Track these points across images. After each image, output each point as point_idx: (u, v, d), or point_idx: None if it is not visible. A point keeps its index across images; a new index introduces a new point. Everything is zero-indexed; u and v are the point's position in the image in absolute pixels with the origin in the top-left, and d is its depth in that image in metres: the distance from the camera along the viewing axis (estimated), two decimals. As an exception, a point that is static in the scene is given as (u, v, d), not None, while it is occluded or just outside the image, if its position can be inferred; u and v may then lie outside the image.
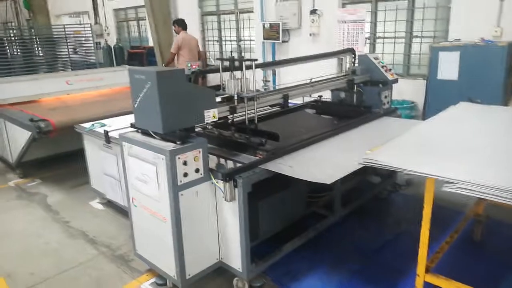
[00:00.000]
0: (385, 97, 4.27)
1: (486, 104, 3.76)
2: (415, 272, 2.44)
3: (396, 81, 4.37)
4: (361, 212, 3.94)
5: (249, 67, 3.11)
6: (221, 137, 3.15)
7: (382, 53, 7.03)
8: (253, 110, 3.19)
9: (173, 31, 8.39)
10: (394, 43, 6.94)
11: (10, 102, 5.65)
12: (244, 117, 3.20)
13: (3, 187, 5.20)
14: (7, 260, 3.50)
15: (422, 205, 2.29)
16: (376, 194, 4.30)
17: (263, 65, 4.03)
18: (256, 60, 3.21)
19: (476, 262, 3.17)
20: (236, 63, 3.09)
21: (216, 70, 3.21)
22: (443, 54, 5.59)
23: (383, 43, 7.10)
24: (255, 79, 3.14)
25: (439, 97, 5.61)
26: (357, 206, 3.87)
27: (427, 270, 2.42)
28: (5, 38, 11.81)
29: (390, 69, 4.38)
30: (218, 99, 2.98)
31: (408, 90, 6.58)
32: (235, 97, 3.01)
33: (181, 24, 8.00)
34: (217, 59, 3.12)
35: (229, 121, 3.31)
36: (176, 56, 7.88)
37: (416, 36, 6.67)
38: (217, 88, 3.13)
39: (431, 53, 5.75)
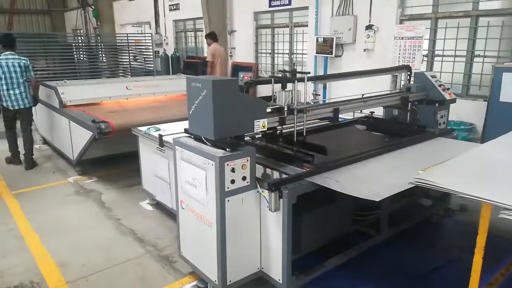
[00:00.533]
0: (441, 117, 4.11)
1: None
2: (464, 302, 2.31)
3: (454, 101, 4.20)
4: (410, 235, 3.79)
5: (301, 80, 3.14)
6: (269, 148, 3.20)
7: (440, 72, 6.77)
8: (302, 123, 3.21)
9: (206, 43, 9.09)
10: (454, 61, 6.66)
11: (74, 104, 6.08)
12: (293, 129, 3.22)
13: (63, 183, 5.57)
14: (62, 250, 3.74)
15: (476, 232, 2.17)
16: (426, 218, 4.12)
17: (315, 78, 4.03)
18: (309, 73, 3.24)
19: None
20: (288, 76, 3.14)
21: (268, 82, 3.27)
22: (507, 75, 5.28)
23: (442, 61, 6.84)
24: (306, 91, 3.17)
25: (500, 120, 5.29)
26: (405, 228, 3.73)
27: (479, 301, 2.28)
28: (73, 44, 12.74)
29: (448, 88, 4.22)
30: (269, 109, 3.04)
31: (467, 111, 6.28)
32: (285, 109, 3.05)
33: (214, 37, 8.85)
34: (271, 76, 3.12)
35: (278, 132, 3.35)
36: (209, 64, 8.59)
37: (478, 56, 6.37)
38: (269, 99, 3.19)
39: (493, 73, 5.47)
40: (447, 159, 2.57)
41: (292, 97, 3.06)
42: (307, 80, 3.18)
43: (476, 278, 2.23)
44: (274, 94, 3.15)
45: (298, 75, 3.22)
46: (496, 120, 5.41)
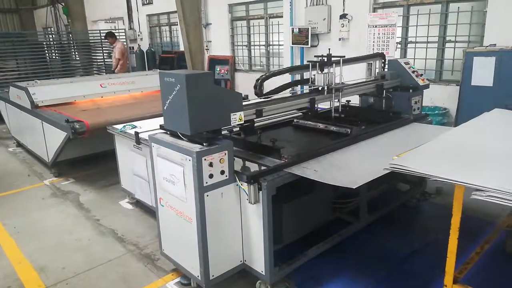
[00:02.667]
0: (416, 102, 4.18)
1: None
2: (442, 282, 2.37)
3: (427, 86, 4.27)
4: (389, 220, 3.87)
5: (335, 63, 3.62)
6: (247, 140, 3.20)
7: (414, 58, 6.88)
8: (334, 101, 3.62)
9: (109, 43, 9.75)
10: (426, 48, 6.78)
11: (47, 104, 5.92)
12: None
13: (39, 186, 5.44)
14: (41, 255, 3.65)
15: (451, 214, 2.23)
16: (404, 202, 4.21)
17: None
18: (344, 57, 3.69)
19: (507, 275, 3.05)
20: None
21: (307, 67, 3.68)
22: (478, 59, 5.42)
23: (415, 48, 6.95)
24: (341, 74, 3.68)
25: (472, 104, 5.43)
26: (384, 213, 3.80)
27: (455, 281, 2.35)
28: (44, 43, 12.36)
29: (421, 75, 4.29)
30: (307, 90, 3.71)
31: (440, 96, 6.41)
32: (325, 88, 3.55)
33: (114, 35, 9.55)
34: (315, 56, 3.83)
35: (313, 112, 3.89)
36: (115, 62, 9.15)
37: (450, 41, 6.50)
38: (307, 81, 3.71)
39: (465, 58, 5.59)
40: (421, 144, 2.61)
41: (329, 79, 3.56)
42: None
43: (452, 259, 2.30)
44: (312, 76, 3.61)
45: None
46: (469, 104, 5.55)
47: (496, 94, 5.23)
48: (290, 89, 3.94)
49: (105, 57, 12.40)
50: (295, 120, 3.91)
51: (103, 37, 12.22)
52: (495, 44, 5.50)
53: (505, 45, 5.35)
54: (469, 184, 1.90)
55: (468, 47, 5.97)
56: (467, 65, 5.54)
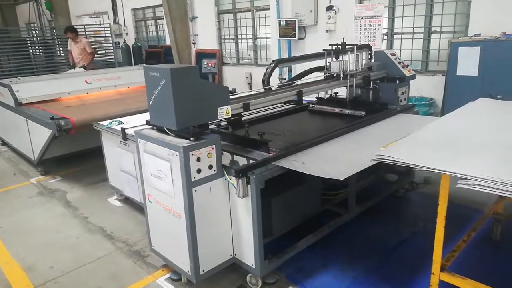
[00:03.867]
0: (402, 93, 4.20)
1: (508, 100, 3.66)
2: (430, 270, 2.41)
3: (413, 77, 4.29)
4: (378, 210, 3.90)
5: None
6: (235, 134, 3.18)
7: (400, 49, 6.91)
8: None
9: (70, 38, 9.00)
10: (412, 38, 6.82)
11: (32, 101, 5.80)
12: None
13: (26, 184, 5.36)
14: (28, 254, 3.60)
15: (438, 203, 2.25)
16: (393, 193, 4.24)
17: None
18: (357, 45, 3.92)
19: (494, 262, 3.10)
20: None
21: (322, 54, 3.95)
22: (463, 49, 5.46)
23: (401, 39, 6.99)
24: (356, 59, 3.88)
25: (458, 94, 5.49)
26: (373, 204, 3.83)
27: (443, 269, 2.38)
28: (28, 39, 12.13)
29: (407, 65, 4.31)
30: (322, 77, 3.93)
31: (426, 87, 6.46)
32: (341, 74, 3.78)
33: (76, 30, 8.96)
34: (330, 45, 3.98)
35: (329, 96, 4.26)
36: (87, 59, 8.73)
37: (435, 32, 6.54)
38: (322, 68, 3.95)
39: (450, 48, 5.63)
40: (408, 134, 2.63)
41: (344, 66, 3.78)
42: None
43: (440, 247, 2.33)
44: (328, 64, 3.87)
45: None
46: (454, 94, 5.60)
47: (481, 84, 5.29)
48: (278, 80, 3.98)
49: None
50: (310, 106, 4.18)
51: (87, 32, 12.07)
52: (480, 34, 5.56)
53: (490, 35, 5.41)
54: (454, 173, 1.92)
55: (453, 37, 6.03)
56: (452, 55, 5.58)
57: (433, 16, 6.52)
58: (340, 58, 3.85)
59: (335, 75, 3.85)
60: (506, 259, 3.13)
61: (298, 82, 3.90)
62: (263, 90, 3.50)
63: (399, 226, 3.71)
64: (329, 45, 3.98)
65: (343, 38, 4.08)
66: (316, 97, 4.36)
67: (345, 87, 4.28)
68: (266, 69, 3.65)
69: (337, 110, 3.95)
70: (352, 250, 3.34)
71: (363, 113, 3.73)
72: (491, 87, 5.17)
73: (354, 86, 3.92)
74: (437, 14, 6.44)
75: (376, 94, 4.23)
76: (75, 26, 9.56)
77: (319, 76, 4.00)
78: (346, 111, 3.87)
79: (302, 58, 4.42)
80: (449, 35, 6.31)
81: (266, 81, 3.62)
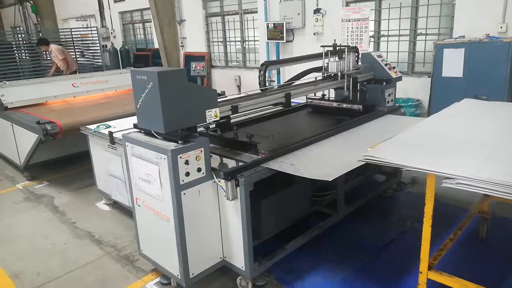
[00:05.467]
0: (389, 95, 4.25)
1: (492, 101, 3.73)
2: (419, 269, 2.43)
3: (399, 79, 4.35)
4: (366, 211, 3.93)
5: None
6: (224, 137, 3.18)
7: (387, 52, 7.00)
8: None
9: (44, 50, 9.11)
10: (399, 41, 6.91)
11: (17, 106, 5.73)
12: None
13: (12, 190, 5.27)
14: (15, 261, 3.55)
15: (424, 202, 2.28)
16: (381, 193, 4.28)
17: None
18: (356, 47, 4.12)
19: (480, 260, 3.15)
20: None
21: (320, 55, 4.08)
22: (448, 51, 5.55)
23: (388, 41, 7.07)
24: (354, 60, 4.03)
25: (444, 95, 5.57)
26: (361, 204, 3.86)
27: (430, 267, 2.41)
28: (13, 43, 11.96)
29: (393, 67, 4.36)
30: (320, 77, 4.05)
31: (413, 88, 6.55)
32: (339, 74, 3.90)
33: (47, 41, 8.78)
34: (322, 46, 4.11)
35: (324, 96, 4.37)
36: (62, 64, 8.56)
37: (421, 34, 6.64)
38: (320, 69, 4.06)
39: (435, 50, 5.72)
40: (395, 135, 2.66)
41: (342, 66, 3.91)
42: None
43: (427, 246, 2.36)
44: (326, 64, 3.98)
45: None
46: (440, 95, 5.69)
47: (466, 85, 5.38)
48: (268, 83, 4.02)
49: (77, 56, 12.10)
50: (309, 101, 4.37)
51: (74, 36, 11.95)
52: (464, 36, 5.66)
53: (474, 37, 5.51)
54: (439, 172, 1.95)
55: (438, 40, 6.12)
56: (437, 57, 5.67)
57: (418, 19, 6.62)
58: (334, 59, 3.97)
59: (332, 75, 3.96)
60: (493, 257, 3.19)
61: (297, 82, 3.93)
62: (252, 93, 3.51)
63: (387, 226, 3.75)
64: (321, 46, 4.06)
65: (334, 40, 4.13)
66: (307, 99, 4.40)
67: (332, 89, 4.36)
68: (259, 72, 3.79)
69: (335, 104, 4.15)
70: (341, 251, 3.36)
71: (361, 107, 3.89)
72: (475, 88, 5.26)
73: (350, 85, 4.00)
74: (423, 17, 6.54)
75: (363, 95, 4.27)
76: (61, 30, 9.48)
77: (309, 78, 4.03)
78: (344, 105, 4.05)
79: (293, 60, 4.47)
80: (434, 37, 6.42)
81: (262, 83, 3.72)
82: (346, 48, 3.98)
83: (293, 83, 3.87)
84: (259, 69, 3.79)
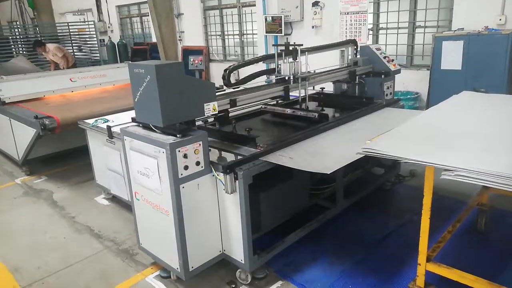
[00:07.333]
0: (388, 88, 4.25)
1: (491, 93, 3.73)
2: (417, 261, 2.45)
3: (398, 71, 4.34)
4: (365, 204, 3.94)
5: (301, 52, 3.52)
6: (223, 130, 3.18)
7: (386, 44, 6.98)
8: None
9: (41, 52, 8.92)
10: (397, 33, 6.89)
11: (15, 100, 5.71)
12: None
13: (11, 185, 5.27)
14: (15, 255, 3.56)
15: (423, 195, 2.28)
16: (379, 186, 4.29)
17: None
18: (301, 45, 3.58)
19: (479, 252, 3.16)
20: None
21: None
22: (447, 43, 5.53)
23: (386, 34, 7.05)
24: (307, 62, 3.62)
25: (443, 87, 5.56)
26: (360, 197, 3.87)
27: (428, 259, 2.42)
28: (10, 37, 11.90)
29: (392, 60, 4.35)
30: (274, 80, 3.62)
31: (412, 81, 6.54)
32: (291, 78, 3.49)
33: (43, 42, 8.87)
34: (273, 45, 3.77)
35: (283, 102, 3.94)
36: (62, 61, 8.63)
37: (419, 26, 6.61)
38: (273, 71, 3.64)
39: (434, 43, 5.70)
40: (394, 128, 2.66)
41: (295, 68, 3.50)
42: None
43: (425, 238, 2.37)
44: (279, 66, 3.56)
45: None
46: (439, 87, 5.68)
47: (465, 77, 5.37)
48: (266, 77, 3.90)
49: (75, 50, 12.06)
50: (262, 106, 3.88)
51: (72, 30, 11.89)
52: (463, 28, 5.64)
53: (473, 29, 5.49)
54: (438, 164, 1.95)
55: (437, 32, 6.10)
56: (436, 50, 5.65)
57: (417, 11, 6.60)
58: (291, 60, 3.53)
59: (286, 78, 3.54)
60: (491, 248, 3.20)
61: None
62: (250, 86, 3.49)
63: (386, 219, 3.76)
64: (273, 45, 3.86)
65: (287, 38, 3.90)
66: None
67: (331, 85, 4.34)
68: (224, 78, 3.40)
69: (289, 111, 3.68)
70: (340, 244, 3.38)
71: (316, 115, 3.46)
72: (474, 80, 5.25)
73: (306, 90, 3.67)
74: (421, 9, 6.52)
75: (362, 88, 4.27)
76: (58, 25, 9.42)
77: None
78: (299, 113, 3.60)
79: (257, 60, 3.81)
80: (433, 29, 6.39)
81: (227, 84, 3.41)
82: (299, 48, 3.51)
83: (239, 86, 3.50)
84: (223, 75, 3.37)
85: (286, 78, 3.55)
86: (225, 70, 3.34)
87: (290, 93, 3.58)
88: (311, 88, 4.23)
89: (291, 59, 3.56)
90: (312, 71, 3.75)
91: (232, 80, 3.45)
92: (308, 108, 3.76)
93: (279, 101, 3.99)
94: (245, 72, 3.72)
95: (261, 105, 3.88)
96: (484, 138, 2.33)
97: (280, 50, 3.56)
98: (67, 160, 5.76)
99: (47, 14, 14.28)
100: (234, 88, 3.39)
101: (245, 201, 2.64)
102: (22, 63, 7.98)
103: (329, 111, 4.08)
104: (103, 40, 12.98)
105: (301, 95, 3.74)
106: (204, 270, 2.87)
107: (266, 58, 3.98)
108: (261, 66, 3.99)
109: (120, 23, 13.26)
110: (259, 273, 2.96)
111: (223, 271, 3.06)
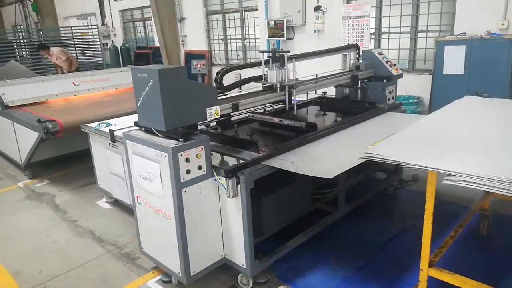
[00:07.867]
0: (390, 92, 4.24)
1: (493, 98, 3.72)
2: (419, 267, 2.43)
3: (400, 76, 4.34)
4: (367, 208, 3.93)
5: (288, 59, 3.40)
6: (225, 134, 3.18)
7: (388, 49, 6.98)
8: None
9: (45, 55, 8.88)
10: (400, 38, 6.89)
11: (18, 104, 5.74)
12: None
13: (13, 188, 5.28)
14: (16, 259, 3.56)
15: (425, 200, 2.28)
16: (382, 190, 4.28)
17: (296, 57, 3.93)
18: (288, 52, 3.48)
19: (481, 257, 3.15)
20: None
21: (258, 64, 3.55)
22: (449, 48, 5.54)
23: (389, 38, 7.06)
24: (295, 70, 3.49)
25: (445, 92, 5.56)
26: (362, 202, 3.86)
27: (431, 265, 2.41)
28: (14, 41, 11.96)
29: (394, 64, 4.35)
30: (260, 88, 3.49)
31: (414, 85, 6.53)
32: (278, 85, 3.36)
33: (46, 46, 8.81)
34: (260, 51, 3.51)
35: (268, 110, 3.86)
36: (65, 64, 8.59)
37: (421, 31, 6.62)
38: (260, 78, 3.52)
39: (436, 47, 5.70)
40: (396, 132, 2.66)
41: (282, 75, 3.39)
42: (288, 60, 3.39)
43: (428, 243, 2.36)
44: (265, 73, 3.44)
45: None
46: (441, 92, 5.68)
47: (467, 82, 5.37)
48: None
49: (78, 54, 12.10)
50: (250, 115, 3.69)
51: (75, 34, 11.94)
52: (465, 33, 5.64)
53: (475, 34, 5.49)
54: (440, 169, 1.95)
55: (439, 36, 6.10)
56: (438, 54, 5.65)
57: (419, 16, 6.60)
58: (273, 67, 3.39)
59: (273, 86, 3.41)
60: (493, 254, 3.18)
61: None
62: (253, 91, 3.50)
63: (388, 224, 3.74)
64: (260, 51, 3.79)
65: (273, 44, 3.81)
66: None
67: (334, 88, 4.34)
68: (215, 81, 3.34)
69: (276, 120, 3.51)
70: (342, 249, 3.36)
71: (304, 124, 3.31)
72: (477, 85, 5.25)
73: (293, 98, 3.54)
74: (423, 14, 6.53)
75: (364, 93, 4.27)
76: (61, 29, 9.44)
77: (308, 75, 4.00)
78: (286, 122, 3.44)
79: (247, 66, 3.82)
80: (435, 34, 6.39)
81: (220, 88, 3.29)
82: (286, 55, 3.36)
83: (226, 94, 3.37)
84: (215, 78, 3.32)
85: (274, 86, 3.41)
86: (217, 74, 3.30)
87: (296, 98, 3.57)
88: (313, 92, 4.25)
89: (276, 67, 3.41)
90: (300, 79, 3.58)
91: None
92: (296, 117, 3.62)
93: (267, 110, 3.89)
94: (247, 75, 3.69)
95: (248, 114, 3.69)
96: (486, 143, 2.32)
97: (267, 57, 3.42)
98: (69, 164, 5.77)
99: (51, 18, 14.37)
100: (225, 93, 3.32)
101: (247, 205, 2.64)
102: (15, 67, 8.02)
103: (331, 115, 4.12)
104: (106, 44, 13.05)
105: (287, 103, 3.56)
106: (205, 275, 2.86)
107: (253, 65, 3.84)
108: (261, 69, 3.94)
109: (123, 27, 13.34)
110: (260, 278, 2.96)
111: (224, 276, 3.05)
